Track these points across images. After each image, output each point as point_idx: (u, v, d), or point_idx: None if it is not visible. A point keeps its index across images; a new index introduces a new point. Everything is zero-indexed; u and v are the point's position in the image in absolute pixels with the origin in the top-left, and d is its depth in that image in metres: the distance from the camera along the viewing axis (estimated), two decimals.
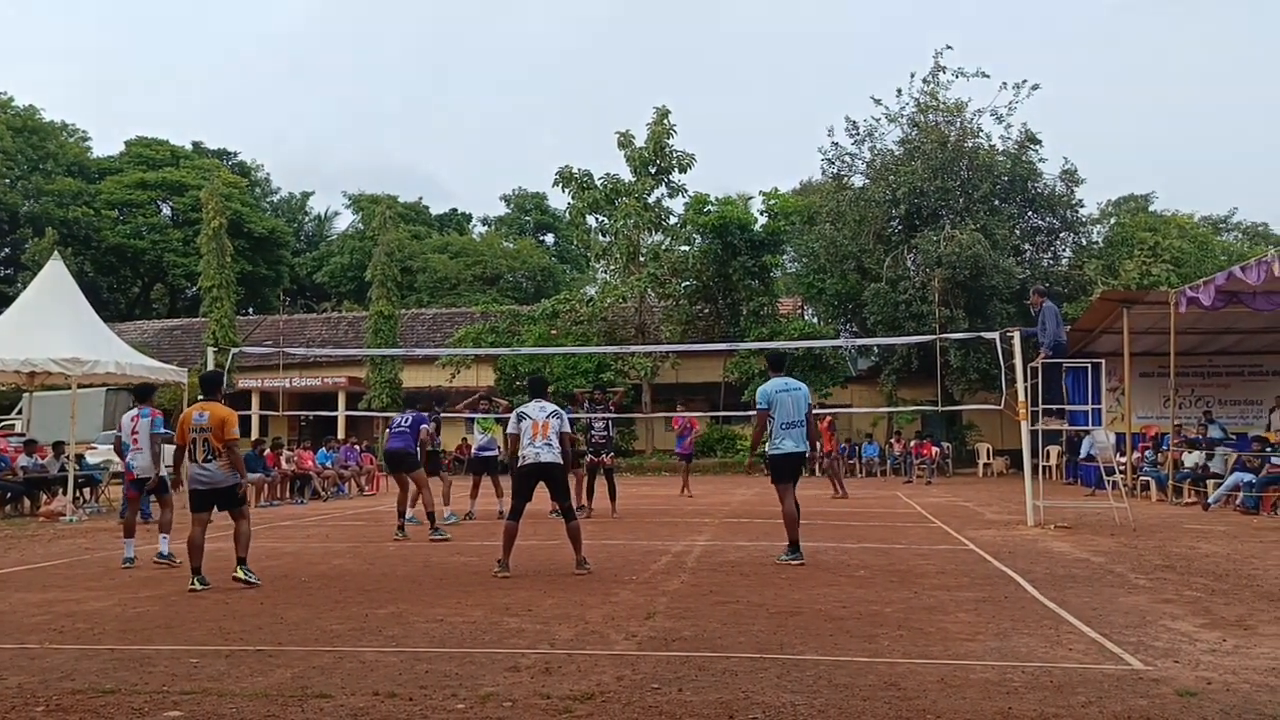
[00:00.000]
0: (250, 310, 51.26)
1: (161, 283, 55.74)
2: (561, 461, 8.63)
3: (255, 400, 35.18)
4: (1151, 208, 40.03)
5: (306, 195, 67.61)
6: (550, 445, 8.53)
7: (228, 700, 4.69)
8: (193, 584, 8.04)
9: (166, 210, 53.16)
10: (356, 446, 23.16)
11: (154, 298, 57.28)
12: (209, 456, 8.19)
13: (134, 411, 10.35)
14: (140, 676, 5.14)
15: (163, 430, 10.38)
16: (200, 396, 8.65)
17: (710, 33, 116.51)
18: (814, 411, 9.81)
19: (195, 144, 57.68)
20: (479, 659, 5.44)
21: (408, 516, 12.34)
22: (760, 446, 9.60)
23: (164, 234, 50.97)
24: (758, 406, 9.29)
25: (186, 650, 5.75)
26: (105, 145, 77.74)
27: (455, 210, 69.25)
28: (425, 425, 12.65)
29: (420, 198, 66.05)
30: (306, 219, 67.36)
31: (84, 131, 55.99)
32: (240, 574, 8.18)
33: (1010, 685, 4.80)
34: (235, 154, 60.55)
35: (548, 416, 8.68)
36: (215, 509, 8.45)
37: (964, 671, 5.07)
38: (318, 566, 9.41)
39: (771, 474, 9.35)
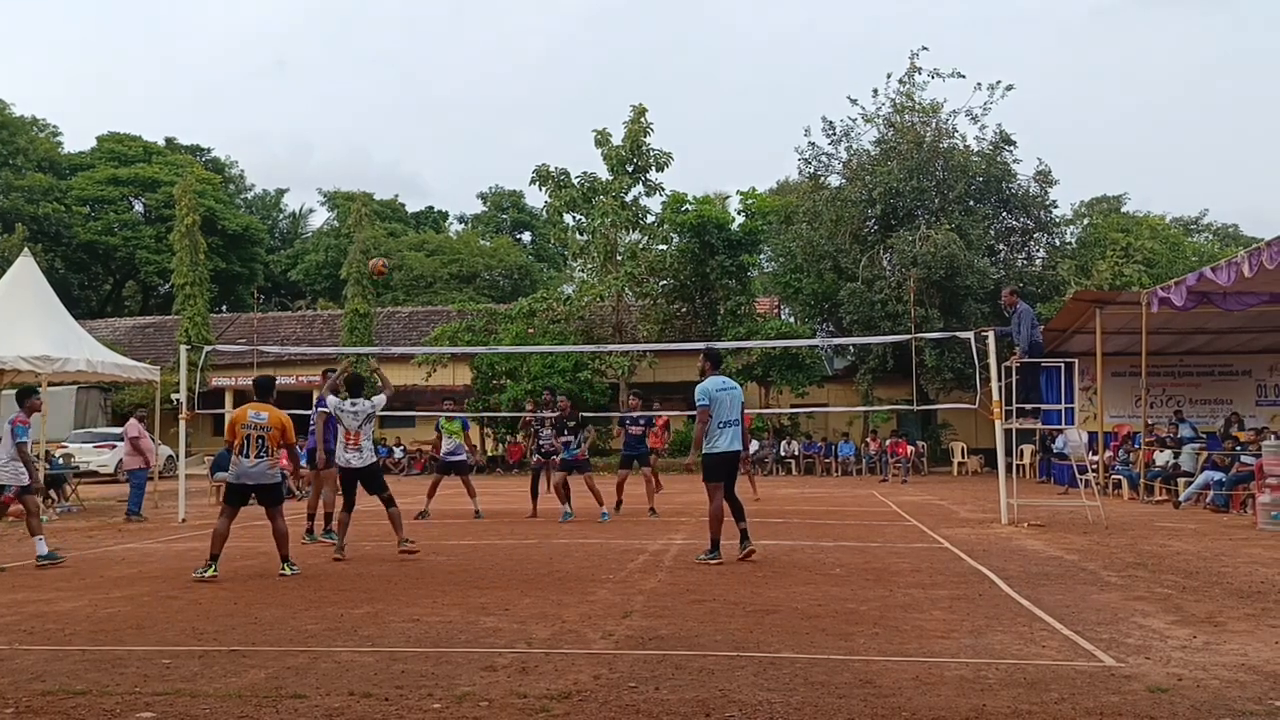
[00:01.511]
0: (224, 308, 50.82)
1: (133, 280, 55.17)
2: (371, 464, 9.78)
3: (229, 398, 34.90)
4: (1124, 209, 40.45)
5: (281, 192, 67.27)
6: (360, 452, 9.67)
7: (201, 701, 4.64)
8: (209, 570, 8.32)
9: (139, 207, 52.59)
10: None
11: (126, 295, 56.68)
12: (261, 454, 8.60)
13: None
14: (112, 677, 5.08)
15: (24, 439, 9.98)
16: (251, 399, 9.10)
17: (688, 32, 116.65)
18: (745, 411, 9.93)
19: (168, 140, 57.12)
20: (455, 659, 5.42)
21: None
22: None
23: (136, 230, 50.44)
24: (698, 404, 9.18)
25: (159, 651, 5.69)
26: (76, 141, 77.01)
27: (432, 208, 69.05)
28: (319, 410, 11.45)
29: (396, 195, 65.86)
30: (281, 216, 66.90)
31: (55, 127, 55.42)
32: (286, 570, 8.67)
33: (984, 682, 4.83)
34: (209, 150, 60.06)
35: (360, 425, 9.64)
36: (250, 502, 9.00)
37: (939, 669, 5.10)
38: None
39: (705, 472, 9.34)
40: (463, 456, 14.80)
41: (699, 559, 9.12)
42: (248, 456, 8.56)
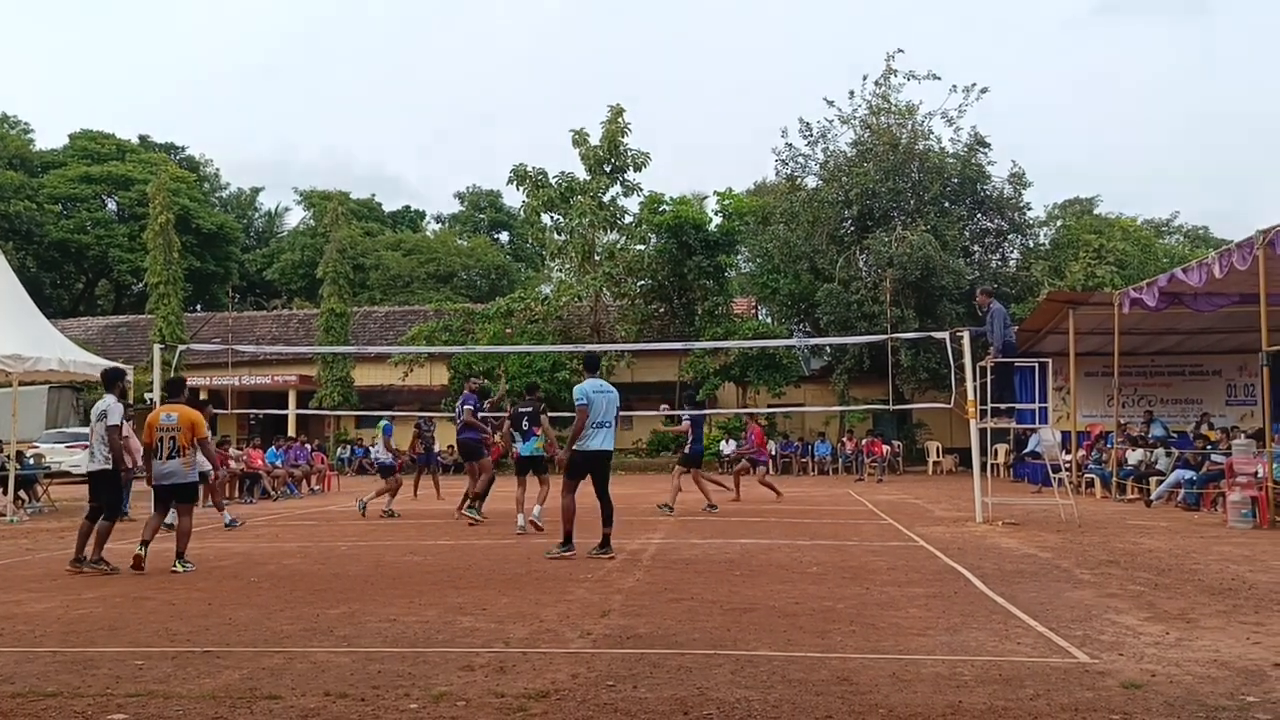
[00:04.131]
0: (198, 307, 50.41)
1: (106, 279, 54.62)
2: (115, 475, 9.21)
3: (204, 398, 34.61)
4: (1096, 211, 40.82)
5: (256, 191, 66.75)
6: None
7: (174, 702, 4.60)
8: (141, 549, 8.77)
9: (112, 205, 52.08)
10: (307, 445, 22.90)
11: (98, 294, 56.11)
12: (173, 454, 8.85)
13: None
14: (83, 679, 5.03)
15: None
16: (161, 399, 9.52)
17: (667, 32, 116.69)
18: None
19: (142, 138, 56.57)
20: (432, 658, 5.39)
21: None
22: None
23: (109, 229, 49.95)
24: (577, 404, 9.50)
25: (131, 652, 5.63)
26: (48, 138, 76.11)
27: (409, 207, 68.75)
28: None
29: (373, 194, 65.46)
30: (256, 215, 66.39)
31: (26, 123, 54.83)
32: (178, 567, 8.81)
33: (960, 679, 4.86)
34: (183, 149, 59.48)
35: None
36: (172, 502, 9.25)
37: (915, 666, 5.13)
38: (267, 566, 9.27)
39: (569, 468, 9.64)
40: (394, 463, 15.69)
41: (549, 554, 9.37)
42: (160, 458, 8.85)
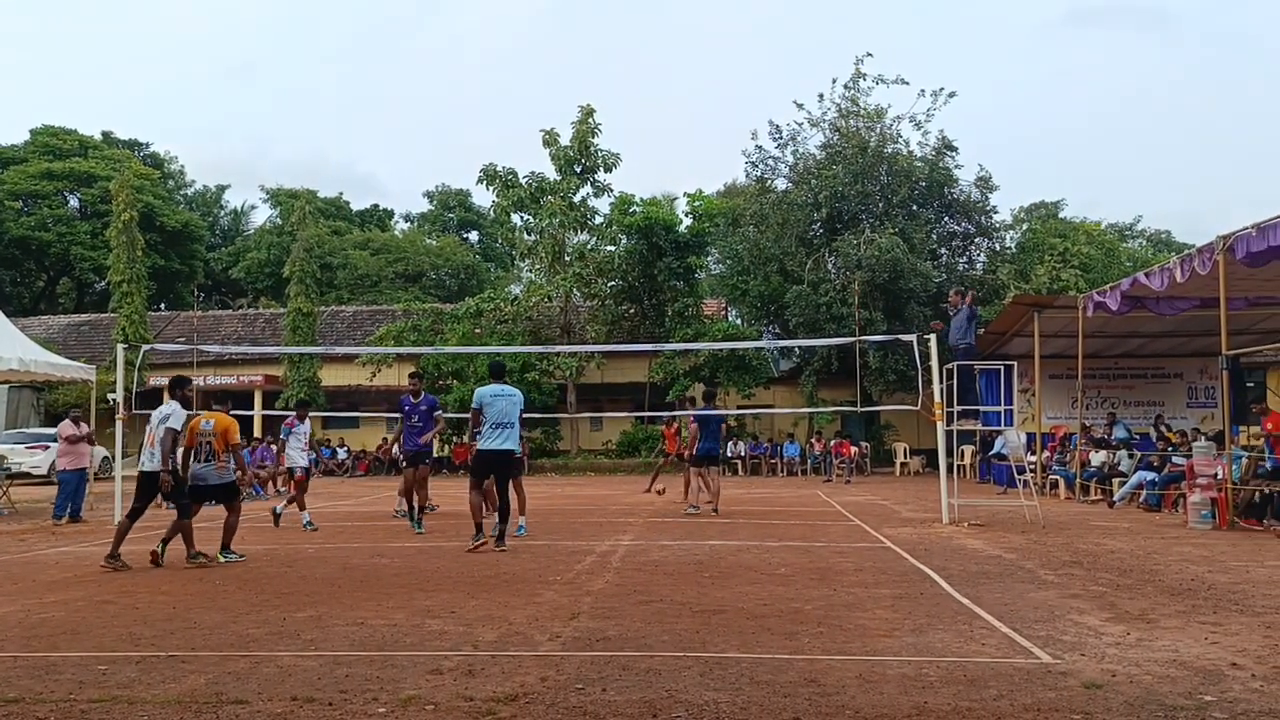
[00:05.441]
0: (162, 306, 49.74)
1: (68, 276, 53.80)
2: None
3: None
4: (1061, 214, 41.28)
5: (222, 189, 66.01)
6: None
7: (139, 708, 4.55)
8: (199, 558, 9.34)
9: (74, 202, 51.28)
10: (273, 446, 22.66)
11: (60, 292, 55.26)
12: (208, 458, 9.58)
13: None
14: (46, 684, 4.97)
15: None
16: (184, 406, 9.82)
17: (639, 33, 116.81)
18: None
19: (105, 134, 55.73)
20: (400, 662, 5.37)
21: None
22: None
23: (71, 226, 49.18)
24: (472, 407, 10.15)
25: (95, 657, 5.57)
26: (8, 133, 74.92)
27: (377, 206, 68.17)
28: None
29: (341, 193, 64.89)
30: (222, 213, 65.66)
31: None
32: (222, 558, 9.45)
33: (926, 680, 4.92)
34: (147, 145, 58.68)
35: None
36: (209, 504, 9.82)
37: (881, 667, 5.18)
38: (233, 569, 9.18)
39: (473, 468, 10.43)
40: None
41: (468, 549, 9.91)
42: (199, 461, 9.58)
